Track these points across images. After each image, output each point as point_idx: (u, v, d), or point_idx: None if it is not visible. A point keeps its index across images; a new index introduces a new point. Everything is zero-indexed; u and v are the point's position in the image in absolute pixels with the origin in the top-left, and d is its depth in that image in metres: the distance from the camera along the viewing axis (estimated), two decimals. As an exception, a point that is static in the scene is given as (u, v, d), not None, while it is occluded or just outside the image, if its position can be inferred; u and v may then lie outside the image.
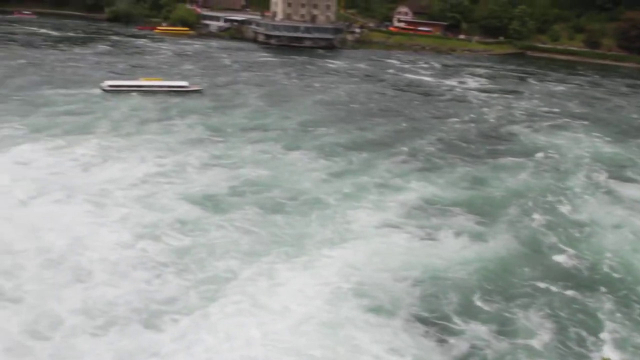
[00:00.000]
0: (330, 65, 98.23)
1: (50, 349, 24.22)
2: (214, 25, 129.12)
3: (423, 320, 27.40)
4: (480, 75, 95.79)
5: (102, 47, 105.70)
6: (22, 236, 32.23)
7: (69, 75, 78.64)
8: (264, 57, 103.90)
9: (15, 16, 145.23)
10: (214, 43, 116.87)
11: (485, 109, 71.84)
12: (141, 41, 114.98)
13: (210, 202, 37.92)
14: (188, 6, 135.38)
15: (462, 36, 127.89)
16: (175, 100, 66.37)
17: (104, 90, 67.72)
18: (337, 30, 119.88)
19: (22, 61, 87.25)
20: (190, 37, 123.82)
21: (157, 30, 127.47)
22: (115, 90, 67.69)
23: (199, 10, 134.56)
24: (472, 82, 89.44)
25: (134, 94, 67.42)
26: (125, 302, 27.19)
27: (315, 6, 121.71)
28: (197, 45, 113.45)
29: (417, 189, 42.75)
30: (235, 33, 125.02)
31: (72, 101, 63.13)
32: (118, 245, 31.87)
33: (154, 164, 44.20)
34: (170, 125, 56.00)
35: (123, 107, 61.60)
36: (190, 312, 26.63)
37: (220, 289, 28.45)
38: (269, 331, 25.70)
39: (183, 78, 76.10)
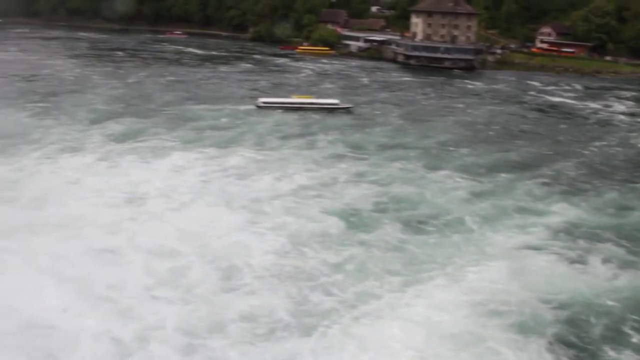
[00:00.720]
0: (470, 86, 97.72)
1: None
2: (354, 45, 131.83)
3: (570, 344, 27.05)
4: (627, 99, 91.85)
5: (245, 65, 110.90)
6: (185, 240, 34.76)
7: (213, 91, 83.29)
8: (402, 77, 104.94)
9: (167, 36, 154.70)
10: (353, 63, 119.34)
11: (632, 134, 68.97)
12: (282, 60, 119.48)
13: (356, 217, 39.13)
14: (329, 27, 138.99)
15: (608, 58, 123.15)
16: (317, 117, 68.61)
17: (258, 106, 71.13)
18: (477, 51, 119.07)
19: (171, 78, 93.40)
20: (330, 56, 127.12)
21: (298, 50, 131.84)
22: (269, 107, 70.82)
23: (339, 30, 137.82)
24: (618, 106, 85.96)
25: (280, 111, 70.32)
26: (284, 310, 28.63)
27: (455, 27, 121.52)
28: (336, 64, 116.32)
29: (561, 212, 41.83)
30: (374, 53, 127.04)
31: (217, 116, 66.81)
32: (273, 254, 33.64)
33: (301, 177, 46.14)
34: (314, 140, 58.03)
35: (268, 123, 64.53)
36: (339, 324, 27.69)
37: (368, 302, 29.38)
38: (414, 344, 26.30)
39: (323, 96, 78.27)
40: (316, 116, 68.87)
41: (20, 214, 38.50)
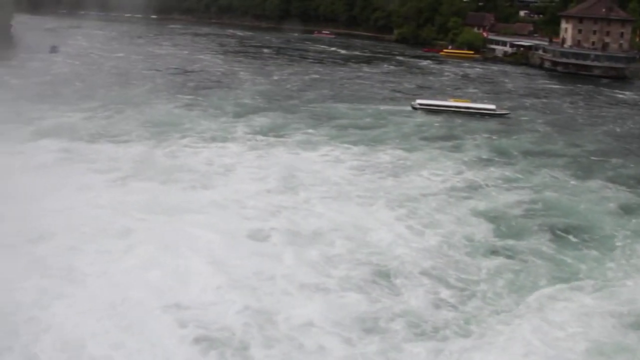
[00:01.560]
0: (620, 96, 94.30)
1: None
2: (499, 49, 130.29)
3: None
4: None
5: (387, 66, 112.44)
6: (339, 230, 36.76)
7: (356, 91, 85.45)
8: (548, 84, 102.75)
9: (315, 35, 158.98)
10: (496, 67, 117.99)
11: None
12: (425, 62, 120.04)
13: (505, 222, 39.53)
14: (475, 30, 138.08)
15: None
16: (461, 120, 69.30)
17: (414, 108, 72.79)
18: (630, 59, 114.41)
19: (315, 76, 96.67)
20: (474, 60, 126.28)
21: (442, 53, 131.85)
22: (425, 109, 72.30)
23: (486, 34, 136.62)
24: None
25: (434, 113, 71.55)
26: (442, 310, 29.37)
27: (607, 33, 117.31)
28: (479, 69, 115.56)
29: None
30: (520, 58, 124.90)
31: (361, 115, 68.74)
32: (426, 252, 34.65)
33: (451, 178, 47.43)
34: (460, 143, 58.94)
35: (414, 123, 66.02)
36: (498, 327, 28.21)
37: (521, 308, 29.82)
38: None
39: (478, 101, 78.48)
40: (460, 120, 69.53)
41: (180, 195, 41.98)
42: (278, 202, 41.04)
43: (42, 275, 30.39)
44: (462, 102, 75.01)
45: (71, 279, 30.44)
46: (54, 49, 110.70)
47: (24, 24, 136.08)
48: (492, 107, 73.95)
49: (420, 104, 73.29)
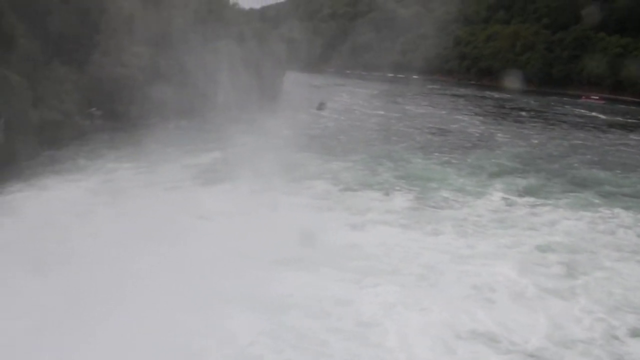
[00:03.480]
0: None
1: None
2: None
3: None
4: None
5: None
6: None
7: (622, 158, 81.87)
8: None
9: (583, 100, 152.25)
10: None
11: None
12: None
13: None
14: None
15: None
16: None
17: None
18: None
19: (576, 142, 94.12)
20: None
21: None
22: None
23: None
24: None
25: None
26: None
27: None
28: None
29: None
30: None
31: (628, 183, 66.14)
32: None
33: None
34: None
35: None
36: None
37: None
38: None
39: None
40: None
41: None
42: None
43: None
44: None
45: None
46: (321, 106, 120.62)
47: (294, 81, 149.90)
48: None
49: None
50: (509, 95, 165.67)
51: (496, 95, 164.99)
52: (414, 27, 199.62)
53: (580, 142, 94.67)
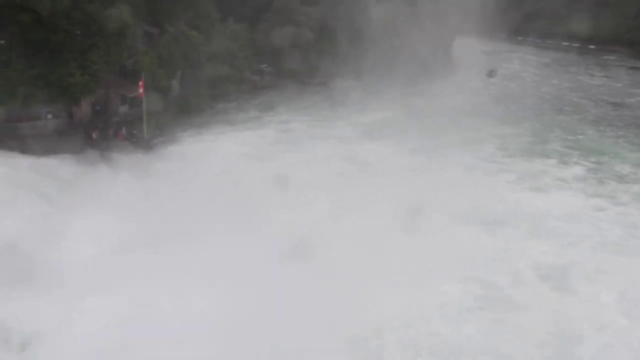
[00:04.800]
0: None
1: None
2: None
3: None
4: None
5: None
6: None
7: None
8: None
9: None
10: None
11: None
12: None
13: None
14: None
15: None
16: None
17: None
18: None
19: None
20: None
21: None
22: None
23: None
24: None
25: None
26: None
27: None
28: None
29: None
30: None
31: None
32: None
33: None
34: None
35: None
36: None
37: None
38: None
39: None
40: None
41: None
42: None
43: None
44: None
45: None
46: (491, 73, 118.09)
47: (463, 47, 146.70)
48: None
49: None
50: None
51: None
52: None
53: None
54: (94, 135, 53.82)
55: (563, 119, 78.41)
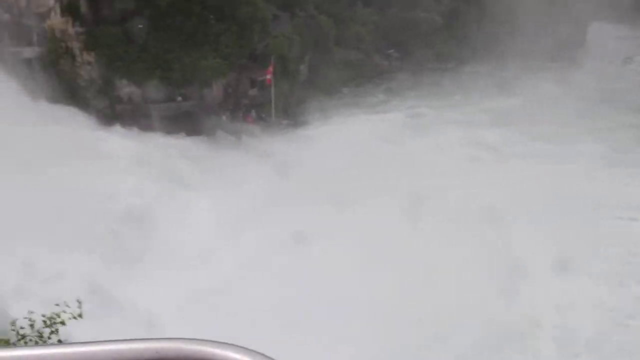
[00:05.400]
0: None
1: None
2: None
3: None
4: None
5: None
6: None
7: None
8: None
9: None
10: None
11: None
12: None
13: None
14: None
15: None
16: None
17: None
18: None
19: None
20: None
21: None
22: None
23: None
24: None
25: None
26: None
27: None
28: None
29: None
30: None
31: None
32: None
33: None
34: None
35: None
36: None
37: None
38: None
39: None
40: None
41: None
42: None
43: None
44: None
45: None
46: (627, 60, 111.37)
47: (598, 32, 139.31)
48: None
49: None
50: None
51: None
52: None
53: None
54: (224, 118, 54.83)
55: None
